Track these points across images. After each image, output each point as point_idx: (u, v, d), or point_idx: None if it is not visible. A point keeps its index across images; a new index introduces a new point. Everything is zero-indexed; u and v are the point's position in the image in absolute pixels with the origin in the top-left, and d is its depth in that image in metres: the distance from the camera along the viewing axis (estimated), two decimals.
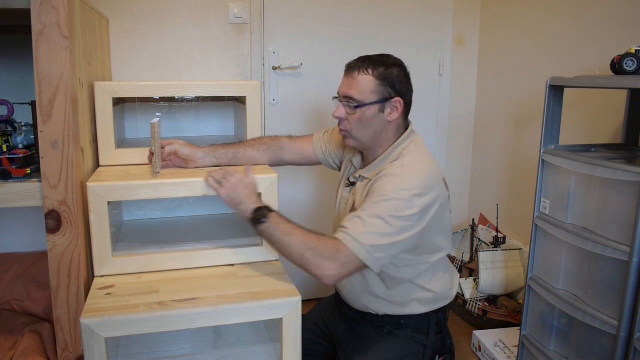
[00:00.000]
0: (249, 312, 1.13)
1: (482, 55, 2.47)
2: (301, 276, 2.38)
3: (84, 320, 1.04)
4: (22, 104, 1.44)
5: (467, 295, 2.21)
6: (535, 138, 2.06)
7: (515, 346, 1.85)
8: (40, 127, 1.17)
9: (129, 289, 1.19)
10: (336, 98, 1.34)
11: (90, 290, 1.18)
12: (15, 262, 1.85)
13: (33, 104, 1.22)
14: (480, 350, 1.94)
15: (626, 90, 1.61)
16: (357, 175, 1.37)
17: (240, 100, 1.67)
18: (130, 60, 2.03)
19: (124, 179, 1.26)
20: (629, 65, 1.33)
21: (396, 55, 1.32)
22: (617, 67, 1.36)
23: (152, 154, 1.33)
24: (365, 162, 1.38)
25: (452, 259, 2.43)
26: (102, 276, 1.26)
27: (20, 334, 1.51)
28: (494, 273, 2.13)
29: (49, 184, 1.20)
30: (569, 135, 1.86)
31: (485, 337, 1.95)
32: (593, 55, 1.80)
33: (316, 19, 2.23)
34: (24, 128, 1.38)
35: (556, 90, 1.48)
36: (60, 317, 1.26)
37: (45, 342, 1.49)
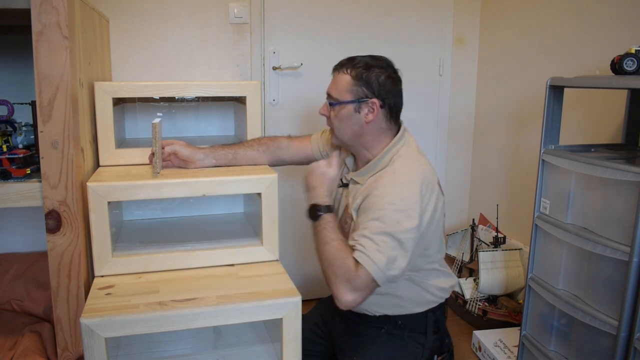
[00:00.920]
0: (249, 312, 1.13)
1: (482, 55, 2.47)
2: (301, 276, 2.39)
3: (84, 320, 1.04)
4: (22, 104, 1.44)
5: (467, 295, 2.21)
6: (535, 138, 2.06)
7: (515, 346, 1.85)
8: (40, 127, 1.17)
9: (129, 289, 1.19)
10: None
11: (90, 290, 1.18)
12: (15, 262, 1.85)
13: (33, 104, 1.22)
14: (480, 350, 1.94)
15: (626, 90, 1.61)
16: (349, 177, 1.38)
17: (240, 100, 1.67)
18: (130, 60, 2.03)
19: (124, 179, 1.26)
20: (629, 65, 1.33)
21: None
22: (617, 67, 1.36)
23: (152, 154, 1.33)
24: (357, 165, 1.39)
25: (452, 259, 2.43)
26: (102, 276, 1.26)
27: (20, 334, 1.51)
28: (494, 273, 2.13)
29: (49, 184, 1.20)
30: (569, 135, 1.86)
31: (485, 337, 1.95)
32: (593, 55, 1.80)
33: (316, 19, 2.23)
34: (24, 128, 1.38)
35: (556, 90, 1.48)
36: (60, 317, 1.26)
37: (45, 342, 1.49)
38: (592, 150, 1.48)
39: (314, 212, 1.26)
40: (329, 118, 1.34)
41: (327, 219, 1.24)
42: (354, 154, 1.40)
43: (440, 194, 1.30)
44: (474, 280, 2.25)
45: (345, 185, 1.39)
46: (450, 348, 1.41)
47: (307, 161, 1.54)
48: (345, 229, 1.34)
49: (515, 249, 2.17)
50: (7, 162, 1.25)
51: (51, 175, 1.19)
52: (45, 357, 1.41)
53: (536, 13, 2.09)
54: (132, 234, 1.51)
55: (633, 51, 1.33)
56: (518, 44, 2.20)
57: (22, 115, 1.44)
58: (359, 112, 1.28)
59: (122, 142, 1.65)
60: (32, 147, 1.35)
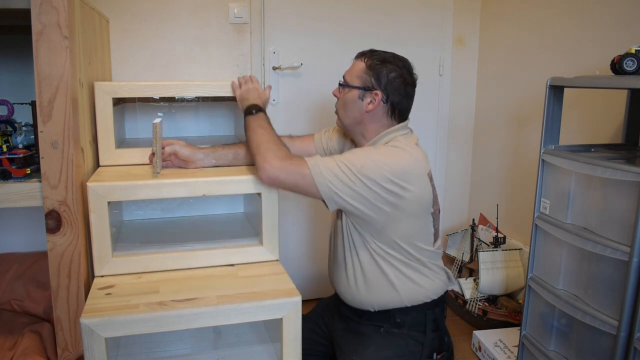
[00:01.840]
0: (249, 312, 1.13)
1: (482, 55, 2.47)
2: (301, 276, 2.39)
3: (84, 320, 1.04)
4: (22, 104, 1.44)
5: (467, 295, 2.21)
6: (535, 138, 2.06)
7: (515, 346, 1.86)
8: (40, 127, 1.17)
9: (129, 289, 1.19)
10: None
11: (90, 290, 1.18)
12: (15, 262, 1.85)
13: (33, 104, 1.22)
14: (480, 350, 1.94)
15: (626, 90, 1.61)
16: None
17: None
18: (130, 60, 2.03)
19: (124, 179, 1.26)
20: (629, 65, 1.33)
21: (407, 58, 1.36)
22: (617, 67, 1.36)
23: (153, 154, 1.33)
24: None
25: (452, 259, 2.44)
26: (102, 276, 1.26)
27: (20, 334, 1.51)
28: (494, 273, 2.13)
29: (49, 184, 1.20)
30: (569, 135, 1.86)
31: (485, 337, 1.95)
32: (593, 55, 1.80)
33: (316, 19, 2.23)
34: (24, 128, 1.38)
35: (556, 90, 1.48)
36: (60, 317, 1.26)
37: (45, 342, 1.49)
38: (592, 150, 1.48)
39: (251, 109, 1.38)
40: (338, 99, 1.41)
41: (263, 116, 1.38)
42: (355, 143, 1.44)
43: (429, 186, 1.31)
44: (474, 280, 2.25)
45: None
46: (449, 346, 1.41)
47: None
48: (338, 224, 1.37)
49: (515, 249, 2.17)
50: (7, 162, 1.25)
51: (51, 175, 1.19)
52: (45, 357, 1.41)
53: (536, 13, 2.09)
54: (132, 234, 1.51)
55: (633, 51, 1.33)
56: (518, 44, 2.21)
57: (22, 115, 1.44)
58: (362, 100, 1.33)
59: (122, 142, 1.65)
60: (32, 147, 1.35)
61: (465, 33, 2.46)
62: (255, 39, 2.15)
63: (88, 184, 1.20)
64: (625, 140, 1.61)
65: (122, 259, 1.28)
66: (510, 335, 1.94)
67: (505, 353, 1.84)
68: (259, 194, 1.33)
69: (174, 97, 1.66)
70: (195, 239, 1.43)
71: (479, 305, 2.15)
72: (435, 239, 1.38)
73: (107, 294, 1.16)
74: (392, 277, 1.32)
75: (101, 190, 1.21)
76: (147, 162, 1.44)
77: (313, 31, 2.23)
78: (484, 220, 2.39)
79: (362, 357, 1.32)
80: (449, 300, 2.33)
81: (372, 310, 1.37)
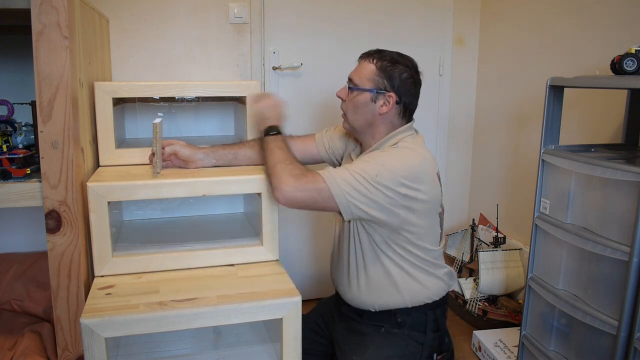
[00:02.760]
0: (249, 312, 1.13)
1: (482, 55, 2.47)
2: (301, 276, 2.39)
3: (84, 320, 1.04)
4: (22, 104, 1.44)
5: (467, 295, 2.21)
6: (535, 138, 2.06)
7: (515, 346, 1.85)
8: (40, 127, 1.17)
9: (129, 289, 1.19)
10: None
11: (90, 290, 1.18)
12: (15, 262, 1.85)
13: (33, 104, 1.22)
14: (480, 350, 1.94)
15: (626, 90, 1.61)
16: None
17: (240, 100, 1.66)
18: (130, 60, 2.03)
19: (124, 179, 1.26)
20: (629, 65, 1.33)
21: (411, 57, 1.35)
22: (617, 67, 1.36)
23: (153, 153, 1.34)
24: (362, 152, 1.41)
25: (452, 259, 2.43)
26: (102, 276, 1.26)
27: (20, 334, 1.51)
28: (494, 273, 2.13)
29: (49, 184, 1.20)
30: (569, 135, 1.86)
31: (485, 337, 1.95)
32: (593, 55, 1.80)
33: (316, 19, 2.23)
34: (24, 128, 1.38)
35: (556, 90, 1.48)
36: (60, 317, 1.26)
37: (45, 342, 1.49)
38: (592, 150, 1.48)
39: (270, 131, 1.34)
40: (344, 101, 1.38)
41: (282, 138, 1.34)
42: (360, 143, 1.43)
43: (438, 185, 1.32)
44: (474, 280, 2.25)
45: None
46: (450, 347, 1.41)
47: (310, 160, 1.55)
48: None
49: (515, 249, 2.17)
50: (7, 162, 1.25)
51: (51, 175, 1.19)
52: (45, 357, 1.41)
53: (536, 13, 2.09)
54: (132, 234, 1.51)
55: (633, 51, 1.33)
56: (518, 44, 2.21)
57: (22, 115, 1.44)
58: (375, 102, 1.32)
59: (122, 142, 1.65)
60: (32, 147, 1.35)
61: (465, 33, 2.46)
62: (255, 39, 2.15)
63: (88, 184, 1.20)
64: (625, 140, 1.61)
65: (122, 259, 1.27)
66: (510, 335, 1.94)
67: (505, 353, 1.84)
68: (259, 194, 1.33)
69: (174, 97, 1.66)
70: (195, 239, 1.43)
71: (479, 305, 2.15)
72: (440, 239, 1.39)
73: (107, 294, 1.16)
74: (398, 279, 1.32)
75: (101, 190, 1.21)
76: (147, 162, 1.44)
77: (313, 31, 2.23)
78: (484, 220, 2.39)
79: (362, 357, 1.32)
80: (449, 301, 2.33)
81: (373, 310, 1.37)
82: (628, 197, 1.22)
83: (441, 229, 1.39)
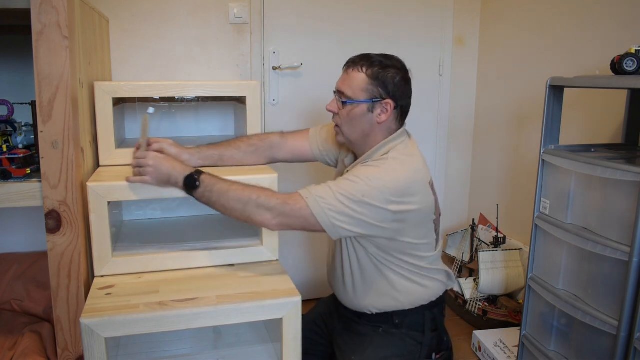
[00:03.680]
0: (249, 312, 1.13)
1: (482, 55, 2.47)
2: (301, 276, 2.39)
3: (84, 320, 1.04)
4: (22, 104, 1.44)
5: (467, 295, 2.21)
6: (535, 138, 2.06)
7: (515, 346, 1.85)
8: (40, 127, 1.17)
9: (129, 289, 1.19)
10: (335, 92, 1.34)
11: (90, 290, 1.18)
12: (15, 262, 1.85)
13: (33, 104, 1.22)
14: (480, 350, 1.94)
15: (626, 90, 1.61)
16: (345, 172, 1.34)
17: (240, 100, 1.67)
18: (130, 60, 2.03)
19: (124, 179, 1.26)
20: (629, 65, 1.33)
21: (396, 56, 1.31)
22: (617, 67, 1.36)
23: (138, 148, 1.29)
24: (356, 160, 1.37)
25: (452, 259, 2.44)
26: (102, 276, 1.26)
27: (20, 334, 1.51)
28: (494, 273, 2.13)
29: (49, 184, 1.20)
30: (569, 135, 1.86)
31: (485, 337, 1.95)
32: (593, 55, 1.80)
33: (316, 19, 2.23)
34: (24, 128, 1.38)
35: (556, 90, 1.48)
36: (60, 317, 1.26)
37: (45, 342, 1.49)
38: (592, 150, 1.48)
39: (191, 184, 1.19)
40: (335, 114, 1.31)
41: (207, 177, 1.19)
42: (354, 152, 1.38)
43: (431, 194, 1.28)
44: (474, 280, 2.25)
45: None
46: (449, 346, 1.41)
47: (302, 159, 1.51)
48: None
49: (515, 249, 2.17)
50: (7, 162, 1.25)
51: (51, 175, 1.19)
52: (45, 357, 1.41)
53: (536, 13, 2.09)
54: (132, 234, 1.51)
55: (633, 51, 1.33)
56: (518, 44, 2.20)
57: (22, 115, 1.44)
58: (372, 112, 1.26)
59: (122, 142, 1.65)
60: (32, 147, 1.35)
61: (465, 33, 2.46)
62: (255, 39, 2.15)
63: (88, 184, 1.20)
64: (625, 140, 1.61)
65: (122, 259, 1.27)
66: (510, 335, 1.94)
67: (505, 353, 1.84)
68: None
69: (174, 97, 1.66)
70: (195, 239, 1.43)
71: (479, 305, 2.15)
72: (437, 243, 1.37)
73: (107, 294, 1.16)
74: (394, 284, 1.32)
75: (101, 190, 1.21)
76: None
77: (313, 31, 2.23)
78: (484, 220, 2.39)
79: (361, 357, 1.32)
80: (449, 301, 2.33)
81: (369, 313, 1.37)
82: (628, 197, 1.22)
83: (437, 234, 1.36)
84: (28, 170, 1.27)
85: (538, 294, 1.54)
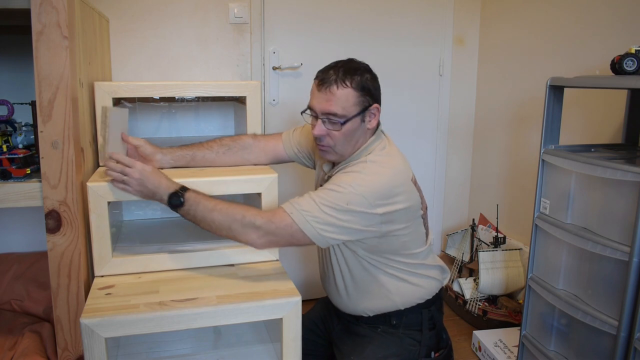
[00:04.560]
0: (249, 312, 1.13)
1: (482, 55, 2.47)
2: (301, 276, 2.39)
3: (84, 320, 1.04)
4: (22, 104, 1.44)
5: (467, 295, 2.21)
6: (535, 138, 2.06)
7: (515, 346, 1.85)
8: (40, 127, 1.17)
9: (129, 289, 1.19)
10: (308, 113, 1.29)
11: (90, 290, 1.18)
12: (15, 262, 1.85)
13: (33, 104, 1.22)
14: (480, 350, 1.94)
15: (626, 90, 1.61)
16: (326, 178, 1.34)
17: (240, 100, 1.67)
18: (130, 60, 2.03)
19: None
20: (629, 65, 1.33)
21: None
22: (617, 67, 1.36)
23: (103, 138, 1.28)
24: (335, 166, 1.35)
25: (452, 259, 2.44)
26: (102, 276, 1.26)
27: (20, 334, 1.51)
28: (494, 273, 2.13)
29: (49, 184, 1.20)
30: (569, 135, 1.86)
31: (485, 337, 1.95)
32: (593, 55, 1.80)
33: (316, 19, 2.23)
34: (24, 128, 1.38)
35: (556, 90, 1.48)
36: (60, 317, 1.26)
37: (45, 342, 1.49)
38: (592, 150, 1.48)
39: (176, 201, 1.17)
40: (327, 137, 1.24)
41: (192, 195, 1.17)
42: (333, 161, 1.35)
43: (415, 190, 1.27)
44: (474, 280, 2.25)
45: None
46: (448, 344, 1.41)
47: (276, 160, 1.50)
48: None
49: (515, 249, 2.17)
50: (7, 162, 1.25)
51: (51, 175, 1.19)
52: (45, 357, 1.42)
53: (536, 13, 2.09)
54: (132, 234, 1.51)
55: (633, 51, 1.33)
56: (518, 43, 2.21)
57: (22, 115, 1.44)
58: (364, 121, 1.25)
59: None
60: (32, 147, 1.35)
61: (465, 33, 2.46)
62: (255, 39, 2.15)
63: (88, 184, 1.20)
64: (625, 140, 1.61)
65: (122, 259, 1.28)
66: (510, 335, 1.94)
67: (505, 353, 1.84)
68: (259, 194, 1.33)
69: (174, 97, 1.66)
70: (195, 239, 1.43)
71: (479, 305, 2.15)
72: (427, 237, 1.36)
73: (107, 294, 1.16)
74: (387, 285, 1.32)
75: (101, 190, 1.21)
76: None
77: (313, 31, 2.23)
78: (484, 220, 2.39)
79: (360, 357, 1.32)
80: (449, 301, 2.33)
81: (366, 315, 1.37)
82: (628, 197, 1.22)
83: (426, 227, 1.36)
84: (28, 170, 1.27)
85: (538, 294, 1.54)
